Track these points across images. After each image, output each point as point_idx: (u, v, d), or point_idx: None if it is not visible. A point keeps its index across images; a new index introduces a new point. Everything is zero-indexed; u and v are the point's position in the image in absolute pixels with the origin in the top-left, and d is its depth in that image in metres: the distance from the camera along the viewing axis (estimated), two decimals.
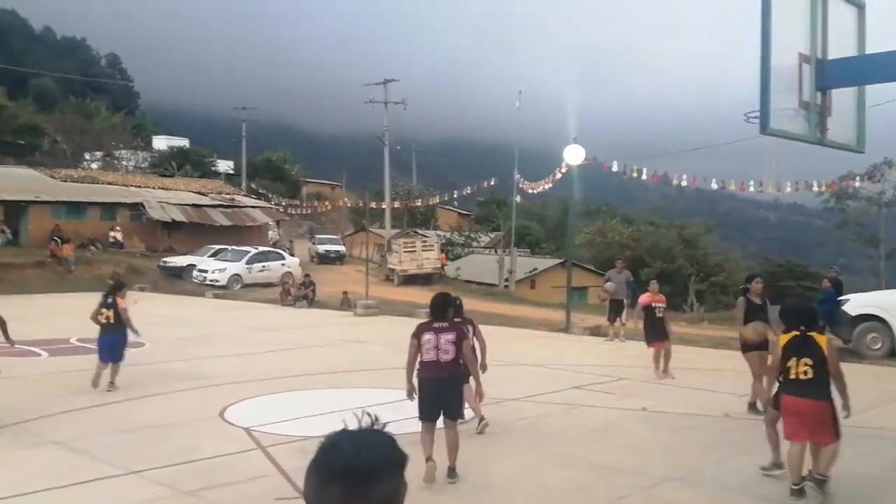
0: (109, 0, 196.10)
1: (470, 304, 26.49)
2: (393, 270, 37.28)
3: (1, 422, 9.00)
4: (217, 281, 31.94)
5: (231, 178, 60.51)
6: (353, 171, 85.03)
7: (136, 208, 40.12)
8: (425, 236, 41.82)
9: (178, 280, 33.23)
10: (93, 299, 12.45)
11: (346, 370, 13.31)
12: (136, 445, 8.11)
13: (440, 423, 7.19)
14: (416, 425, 7.14)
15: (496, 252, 45.69)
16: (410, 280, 35.34)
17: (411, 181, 69.78)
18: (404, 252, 36.54)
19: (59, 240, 33.86)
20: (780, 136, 6.90)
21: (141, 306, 25.05)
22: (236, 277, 32.39)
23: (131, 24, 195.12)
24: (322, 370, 13.27)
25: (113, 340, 11.16)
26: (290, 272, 33.09)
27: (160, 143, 69.49)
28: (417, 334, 7.19)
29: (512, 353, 15.78)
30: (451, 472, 7.15)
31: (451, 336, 7.12)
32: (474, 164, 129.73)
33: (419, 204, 53.56)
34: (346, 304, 25.75)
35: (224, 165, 66.95)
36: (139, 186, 43.59)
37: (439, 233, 50.30)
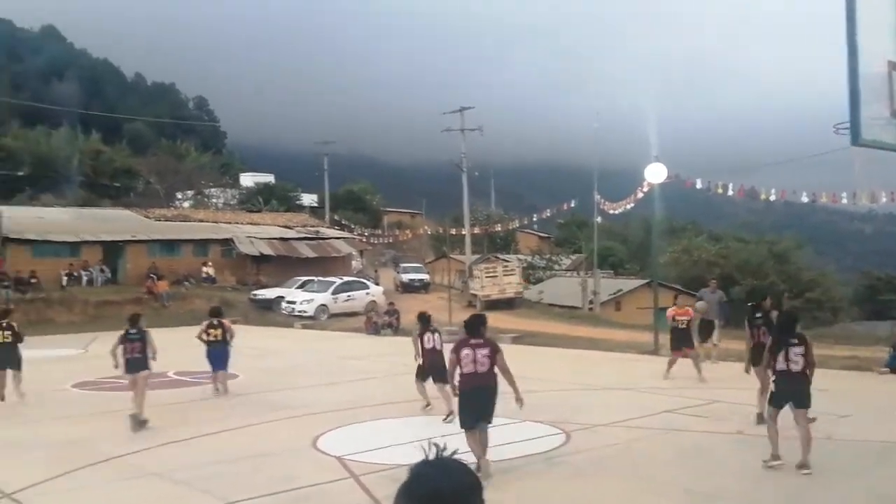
0: (196, 46, 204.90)
1: (554, 327, 26.28)
2: (475, 296, 37.28)
3: (104, 454, 9.40)
4: (305, 312, 32.64)
5: (315, 211, 61.94)
6: (432, 199, 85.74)
7: (227, 244, 41.46)
8: (506, 261, 41.74)
9: (268, 312, 34.12)
10: (188, 333, 13.04)
11: (433, 397, 13.36)
12: (233, 476, 8.34)
13: None
14: (498, 454, 7.11)
15: (579, 274, 45.19)
16: (493, 305, 35.25)
17: (490, 206, 69.96)
18: (486, 277, 36.54)
19: (155, 277, 35.32)
20: (872, 146, 6.66)
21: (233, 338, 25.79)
22: (323, 308, 33.03)
23: (216, 68, 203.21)
24: (409, 398, 13.34)
25: (220, 353, 13.87)
26: (374, 301, 33.54)
27: (247, 179, 71.83)
28: (457, 350, 7.96)
29: (599, 377, 15.58)
30: (449, 415, 8.99)
31: (486, 351, 7.94)
32: (552, 186, 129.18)
33: (499, 229, 53.57)
34: None
35: (308, 199, 68.66)
36: (229, 223, 45.05)
37: (520, 257, 50.13)
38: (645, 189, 25.09)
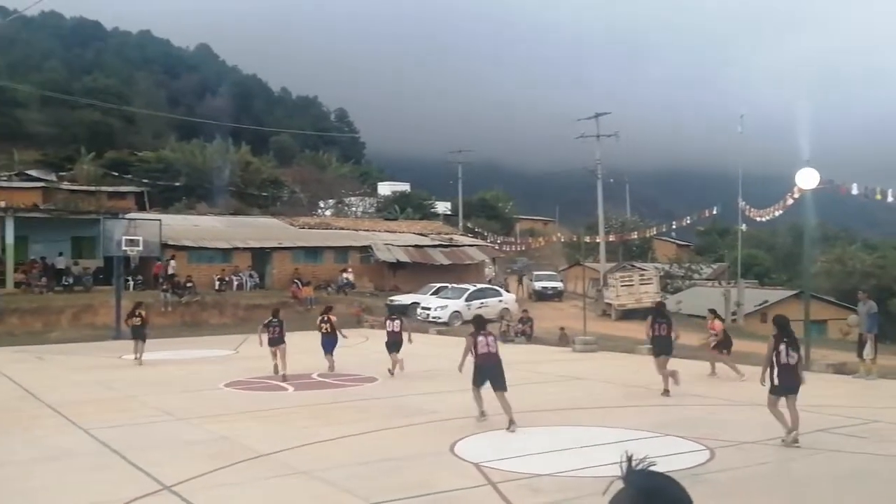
0: (337, 61, 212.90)
1: (694, 338, 25.36)
2: (610, 305, 36.60)
3: (255, 452, 9.88)
4: (439, 318, 33.12)
5: (449, 219, 62.83)
6: (565, 206, 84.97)
7: (365, 250, 42.75)
8: (643, 269, 40.72)
9: (403, 317, 34.83)
10: None
11: (568, 407, 13.23)
12: (374, 478, 8.56)
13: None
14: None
15: (720, 284, 43.42)
16: (628, 315, 34.49)
17: (625, 213, 68.54)
18: (621, 286, 35.79)
19: (299, 282, 36.90)
20: None
21: (370, 343, 26.53)
22: (457, 314, 33.39)
23: (356, 81, 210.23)
24: (544, 407, 13.28)
25: (330, 341, 18.28)
26: (507, 308, 33.58)
27: (384, 188, 73.89)
28: (474, 336, 12.00)
29: (745, 392, 14.87)
30: (511, 424, 11.12)
31: (492, 338, 12.14)
32: (691, 192, 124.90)
33: (635, 236, 52.35)
34: (563, 339, 25.63)
35: (442, 207, 69.76)
36: (367, 230, 46.46)
37: (657, 265, 48.78)
38: (795, 195, 23.79)
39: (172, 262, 35.17)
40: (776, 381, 9.97)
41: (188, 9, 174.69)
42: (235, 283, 37.23)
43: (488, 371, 11.64)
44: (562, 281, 47.82)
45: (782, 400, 9.97)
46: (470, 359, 12.01)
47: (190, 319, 31.76)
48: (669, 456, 9.35)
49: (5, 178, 51.55)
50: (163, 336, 27.58)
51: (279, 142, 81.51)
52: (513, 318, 30.59)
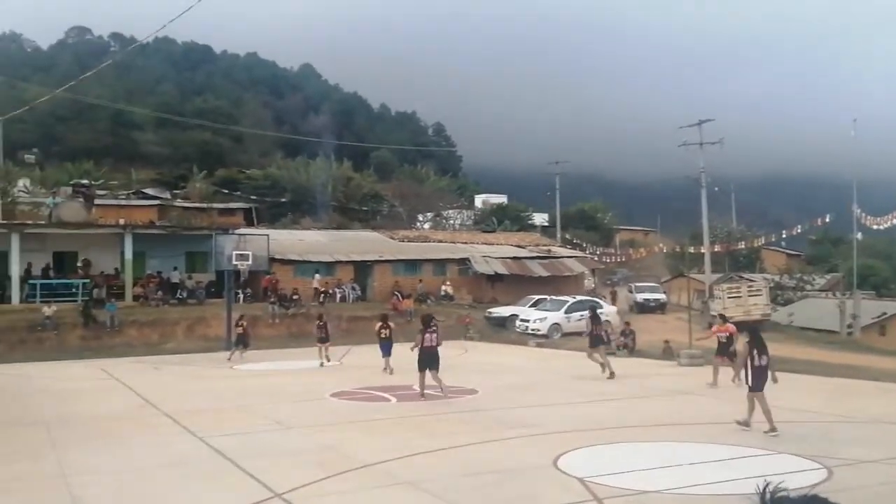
0: (434, 75, 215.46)
1: (807, 353, 24.34)
2: (716, 317, 35.46)
3: (361, 461, 10.09)
4: (538, 330, 32.92)
5: (546, 230, 62.47)
6: (667, 216, 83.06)
7: (463, 263, 42.99)
8: (751, 280, 39.33)
9: (502, 329, 34.84)
10: None
11: (674, 423, 12.90)
12: (479, 490, 8.59)
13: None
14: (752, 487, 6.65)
15: (835, 295, 41.43)
16: (737, 328, 33.30)
17: (731, 222, 66.41)
18: (728, 298, 34.63)
19: (400, 294, 37.46)
20: None
21: (470, 355, 26.65)
22: (556, 326, 33.12)
23: (453, 96, 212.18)
24: (649, 422, 13.00)
25: (387, 345, 20.55)
26: (608, 321, 33.01)
27: (481, 201, 74.17)
28: (422, 333, 16.00)
29: (864, 409, 14.18)
30: (442, 390, 15.61)
31: (435, 335, 16.06)
32: (801, 199, 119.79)
33: (742, 246, 50.62)
34: (668, 353, 25.01)
35: (539, 218, 69.41)
36: (465, 242, 46.72)
37: (766, 276, 46.97)
38: None
39: (317, 276, 37.90)
40: (752, 382, 11.87)
41: (293, 30, 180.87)
42: (338, 295, 38.13)
43: (429, 359, 15.85)
44: (664, 292, 46.69)
45: (758, 393, 11.71)
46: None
47: (296, 331, 32.69)
48: (783, 475, 8.99)
49: (124, 197, 54.66)
50: (271, 347, 28.56)
51: (379, 157, 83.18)
52: (614, 330, 30.07)
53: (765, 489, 1.57)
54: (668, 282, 55.65)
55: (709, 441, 11.19)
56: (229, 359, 25.26)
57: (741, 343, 13.37)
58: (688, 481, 8.76)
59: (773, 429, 11.44)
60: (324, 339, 23.80)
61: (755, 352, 11.85)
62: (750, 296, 34.61)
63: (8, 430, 13.13)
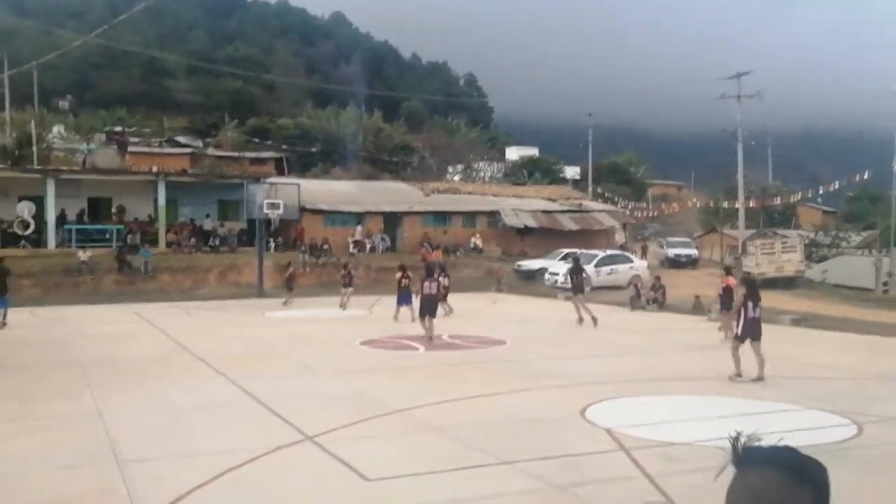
0: (466, 25, 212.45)
1: (841, 310, 24.08)
2: (749, 273, 35.12)
3: (391, 407, 10.22)
4: (567, 284, 32.78)
5: (578, 184, 61.88)
6: (701, 170, 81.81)
7: (493, 216, 42.89)
8: (785, 237, 38.76)
9: (531, 282, 34.84)
10: (460, 300, 13.62)
11: (703, 377, 12.85)
12: (506, 437, 8.67)
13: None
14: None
15: (871, 253, 40.72)
16: (769, 284, 32.92)
17: (767, 177, 65.24)
18: (762, 254, 34.22)
19: (429, 245, 37.54)
20: None
21: (499, 307, 26.74)
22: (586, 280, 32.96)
23: (485, 45, 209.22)
24: (677, 375, 12.97)
25: (406, 294, 21.07)
26: (638, 275, 32.85)
27: (512, 153, 73.55)
28: (422, 281, 17.68)
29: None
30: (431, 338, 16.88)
31: (435, 284, 17.81)
32: (840, 155, 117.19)
33: (777, 202, 49.80)
34: (698, 308, 24.85)
35: (571, 171, 68.73)
36: (495, 195, 46.52)
37: (801, 233, 46.23)
38: None
39: (359, 227, 38.71)
40: (741, 331, 12.21)
41: None
42: (368, 245, 38.31)
43: (429, 305, 17.34)
44: (697, 248, 46.23)
45: (745, 346, 12.14)
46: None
47: (326, 280, 32.97)
48: (812, 430, 8.96)
49: (156, 144, 55.06)
50: (301, 295, 28.87)
51: (410, 107, 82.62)
52: (644, 284, 29.92)
53: (737, 437, 1.52)
54: (701, 237, 55.07)
55: (738, 395, 11.15)
56: (285, 303, 26.68)
57: (738, 294, 13.92)
58: (715, 434, 8.73)
59: (761, 377, 11.94)
60: (347, 285, 25.24)
61: (749, 303, 12.19)
62: (783, 252, 34.16)
63: (47, 372, 13.48)
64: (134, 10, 40.97)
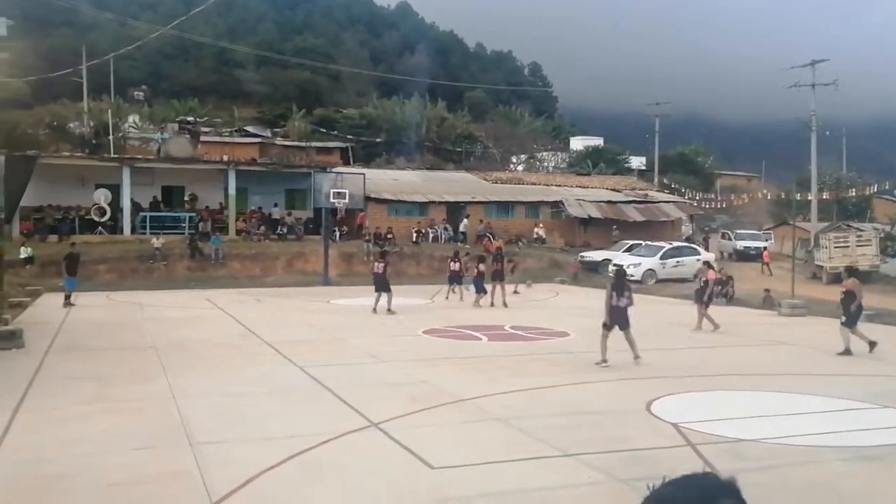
0: (531, 14, 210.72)
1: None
2: (821, 268, 34.12)
3: (453, 396, 10.29)
4: (632, 276, 32.33)
5: (643, 174, 60.91)
6: (771, 161, 79.73)
7: (556, 206, 42.60)
8: (860, 230, 37.50)
9: (594, 274, 34.49)
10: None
11: (774, 373, 12.58)
12: (570, 429, 8.65)
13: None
14: (861, 440, 6.46)
15: None
16: (841, 278, 31.92)
17: (841, 168, 63.09)
18: (835, 247, 33.21)
19: (491, 235, 37.52)
20: None
21: (561, 298, 26.59)
22: (650, 272, 32.55)
23: (551, 34, 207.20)
24: (746, 371, 12.73)
25: (456, 278, 23.88)
26: (709, 265, 32.18)
27: (576, 143, 72.78)
28: (450, 261, 24.19)
29: None
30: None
31: (457, 264, 24.20)
32: None
33: (852, 194, 48.14)
34: (768, 302, 24.27)
35: (636, 162, 67.69)
36: (559, 185, 46.20)
37: (876, 226, 44.60)
38: None
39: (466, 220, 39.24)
40: (608, 320, 13.01)
41: None
42: (431, 235, 38.51)
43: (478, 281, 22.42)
44: (768, 240, 45.06)
45: (613, 334, 12.89)
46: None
47: (390, 269, 33.28)
48: (883, 430, 8.70)
49: (227, 134, 56.33)
50: (365, 283, 29.21)
51: (473, 97, 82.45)
52: (709, 277, 29.26)
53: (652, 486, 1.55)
54: (771, 230, 53.62)
55: (809, 392, 10.87)
56: (447, 297, 24.70)
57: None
58: (783, 432, 8.57)
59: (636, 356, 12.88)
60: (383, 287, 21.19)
61: (614, 293, 13.02)
62: (858, 245, 33.10)
63: (123, 354, 14.00)
64: (207, 2, 41.92)
